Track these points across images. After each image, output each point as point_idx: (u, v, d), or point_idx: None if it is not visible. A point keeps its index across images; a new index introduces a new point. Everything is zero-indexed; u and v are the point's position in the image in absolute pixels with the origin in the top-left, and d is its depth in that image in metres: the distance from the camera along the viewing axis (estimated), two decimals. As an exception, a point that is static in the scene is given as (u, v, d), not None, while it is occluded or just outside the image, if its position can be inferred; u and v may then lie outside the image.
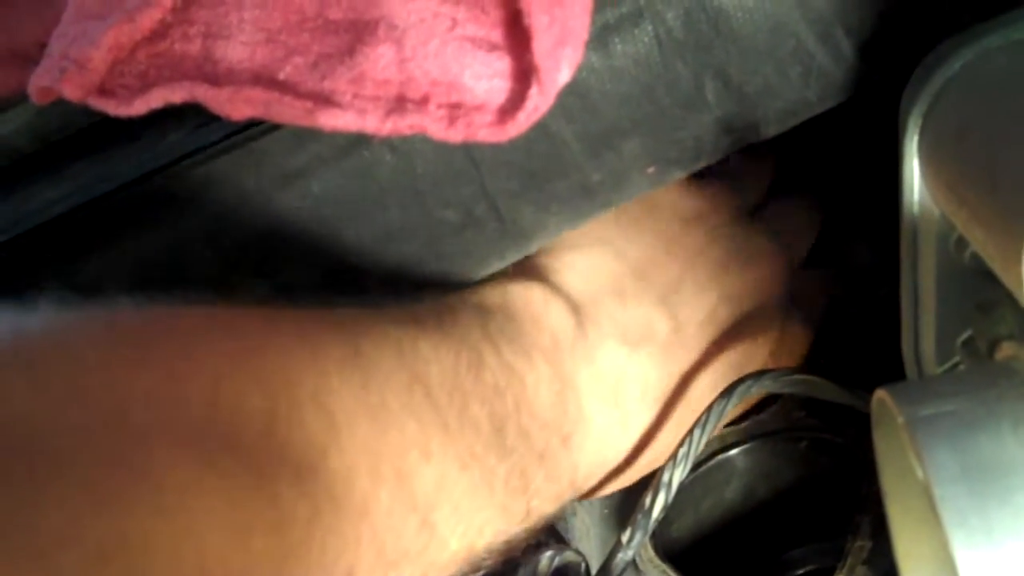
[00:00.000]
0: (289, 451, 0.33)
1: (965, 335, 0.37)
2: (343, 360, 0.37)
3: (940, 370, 0.39)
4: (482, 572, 0.41)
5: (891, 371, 0.41)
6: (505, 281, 0.45)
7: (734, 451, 0.53)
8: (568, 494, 0.46)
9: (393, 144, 0.40)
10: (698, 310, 0.48)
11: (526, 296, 0.45)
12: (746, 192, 0.52)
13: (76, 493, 0.27)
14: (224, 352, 0.34)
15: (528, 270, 0.46)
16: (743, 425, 0.53)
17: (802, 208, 0.54)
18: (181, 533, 0.29)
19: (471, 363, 0.41)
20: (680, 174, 0.43)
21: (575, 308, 0.46)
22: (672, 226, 0.48)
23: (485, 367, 0.41)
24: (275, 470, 0.32)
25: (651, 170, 0.42)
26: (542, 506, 0.44)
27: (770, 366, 0.49)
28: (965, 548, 0.28)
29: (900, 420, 0.30)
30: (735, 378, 0.45)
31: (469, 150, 0.40)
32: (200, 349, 0.34)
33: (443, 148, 0.40)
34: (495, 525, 0.41)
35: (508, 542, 0.42)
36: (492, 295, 0.44)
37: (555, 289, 0.46)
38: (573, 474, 0.45)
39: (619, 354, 0.46)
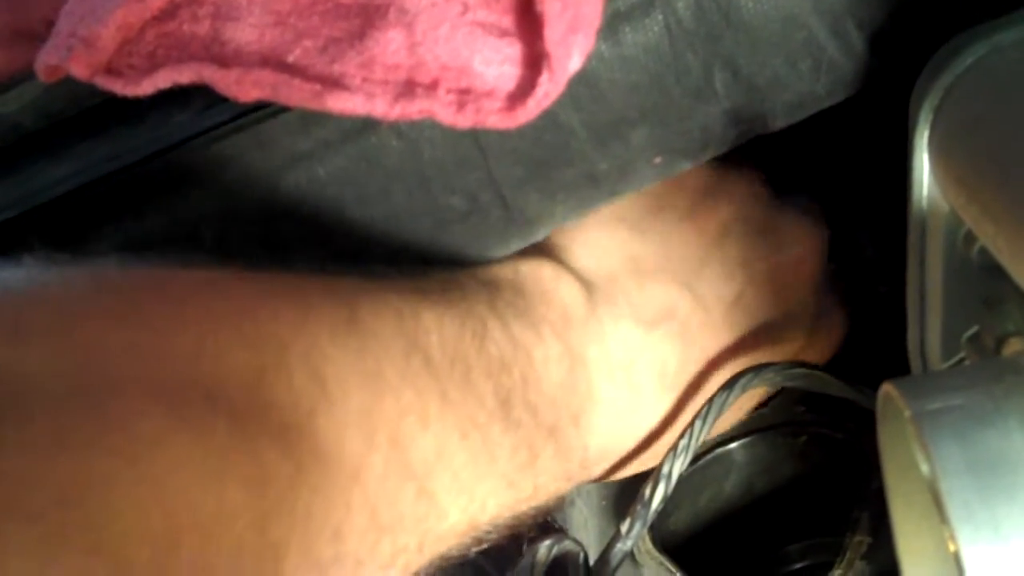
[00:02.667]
0: (273, 410, 0.33)
1: (971, 331, 0.37)
2: (337, 325, 0.36)
3: (945, 366, 0.39)
4: (484, 546, 0.41)
5: (893, 367, 0.41)
6: (516, 258, 0.44)
7: (733, 444, 0.53)
8: (578, 474, 0.45)
9: (400, 129, 0.39)
10: (724, 292, 0.46)
11: (536, 272, 0.44)
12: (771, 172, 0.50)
13: (43, 437, 0.27)
14: (212, 310, 0.34)
15: (541, 248, 0.45)
16: (743, 419, 0.53)
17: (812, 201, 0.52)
18: (148, 478, 0.28)
19: (476, 334, 0.40)
20: (687, 165, 0.43)
21: (587, 286, 0.45)
22: (697, 203, 0.47)
23: (491, 339, 0.41)
24: (257, 426, 0.32)
25: (658, 160, 0.42)
26: (550, 484, 0.43)
27: (802, 358, 0.48)
28: (971, 543, 0.27)
29: (907, 414, 0.30)
30: None
31: (476, 137, 0.40)
32: (187, 306, 0.34)
33: (450, 134, 0.39)
34: (499, 499, 0.41)
35: (515, 519, 0.42)
36: (502, 271, 0.44)
37: (566, 266, 0.45)
38: (583, 454, 0.44)
39: (633, 334, 0.45)
